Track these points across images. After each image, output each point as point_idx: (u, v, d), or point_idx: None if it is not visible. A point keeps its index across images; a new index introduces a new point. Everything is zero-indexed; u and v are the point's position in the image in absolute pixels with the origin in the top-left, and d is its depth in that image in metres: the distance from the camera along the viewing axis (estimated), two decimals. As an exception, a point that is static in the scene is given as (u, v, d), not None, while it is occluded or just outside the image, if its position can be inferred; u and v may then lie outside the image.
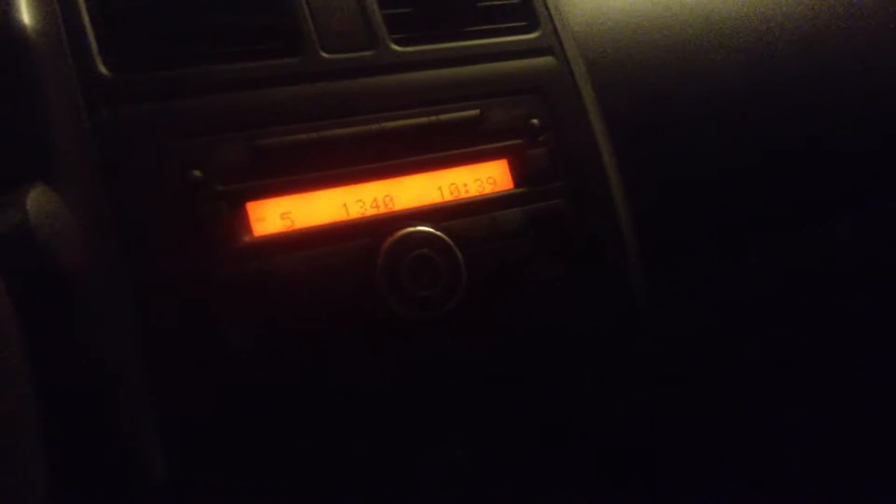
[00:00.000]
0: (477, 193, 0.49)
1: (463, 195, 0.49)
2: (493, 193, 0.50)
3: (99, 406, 0.38)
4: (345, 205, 0.46)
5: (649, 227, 0.55)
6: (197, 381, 0.41)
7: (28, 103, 0.39)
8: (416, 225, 0.46)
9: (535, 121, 0.51)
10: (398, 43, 0.49)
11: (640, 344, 0.56)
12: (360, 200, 0.46)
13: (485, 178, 0.50)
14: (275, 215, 0.44)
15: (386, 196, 0.47)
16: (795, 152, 0.63)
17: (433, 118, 0.48)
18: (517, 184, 0.51)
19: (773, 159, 0.63)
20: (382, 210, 0.47)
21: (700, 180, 0.61)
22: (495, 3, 0.53)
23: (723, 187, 0.62)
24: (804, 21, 0.65)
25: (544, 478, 0.54)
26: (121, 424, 0.39)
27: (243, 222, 0.43)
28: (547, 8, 0.54)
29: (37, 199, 0.31)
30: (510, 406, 0.51)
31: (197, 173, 0.42)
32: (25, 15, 0.41)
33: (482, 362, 0.49)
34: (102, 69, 0.42)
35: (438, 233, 0.46)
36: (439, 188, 0.49)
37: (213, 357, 0.41)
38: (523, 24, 0.54)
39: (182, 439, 0.40)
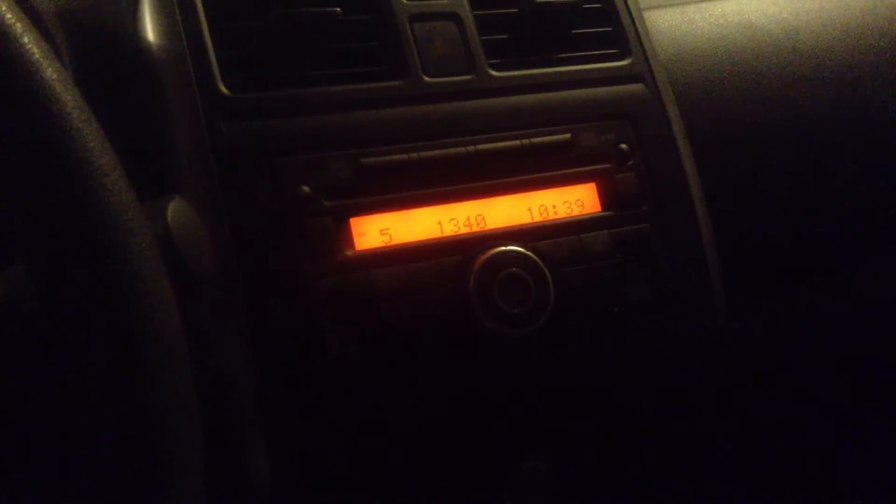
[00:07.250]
0: (565, 215, 0.51)
1: (552, 216, 0.50)
2: (581, 216, 0.51)
3: (211, 410, 0.40)
4: (440, 222, 0.48)
5: (730, 253, 0.56)
6: (301, 387, 0.43)
7: (156, 119, 0.42)
8: (506, 244, 0.47)
9: (624, 146, 0.52)
10: (495, 68, 0.51)
11: (720, 369, 0.56)
12: (453, 219, 0.48)
13: (573, 200, 0.51)
14: (375, 231, 0.46)
15: (478, 215, 0.49)
16: (880, 185, 0.63)
17: (526, 141, 0.50)
18: (605, 207, 0.52)
19: (857, 191, 0.63)
20: (475, 229, 0.48)
21: (782, 208, 0.61)
22: (588, 30, 0.55)
23: (805, 216, 0.62)
24: (891, 55, 0.64)
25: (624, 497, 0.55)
26: (228, 429, 0.41)
27: (346, 237, 0.45)
28: (638, 36, 0.55)
29: (175, 210, 0.34)
30: (592, 424, 0.52)
31: (306, 189, 0.44)
32: (152, 34, 0.44)
33: (568, 379, 0.50)
34: (222, 88, 0.45)
35: (528, 252, 0.47)
36: (529, 209, 0.50)
37: (316, 365, 0.43)
38: (615, 51, 0.55)
39: (285, 445, 0.42)
